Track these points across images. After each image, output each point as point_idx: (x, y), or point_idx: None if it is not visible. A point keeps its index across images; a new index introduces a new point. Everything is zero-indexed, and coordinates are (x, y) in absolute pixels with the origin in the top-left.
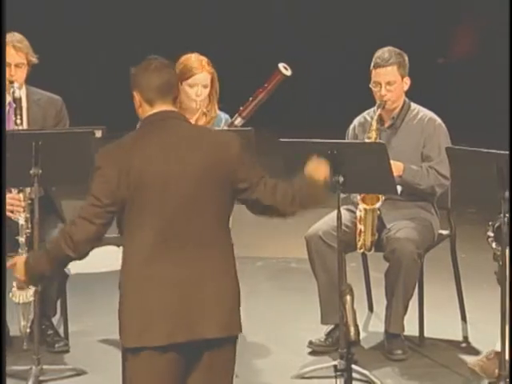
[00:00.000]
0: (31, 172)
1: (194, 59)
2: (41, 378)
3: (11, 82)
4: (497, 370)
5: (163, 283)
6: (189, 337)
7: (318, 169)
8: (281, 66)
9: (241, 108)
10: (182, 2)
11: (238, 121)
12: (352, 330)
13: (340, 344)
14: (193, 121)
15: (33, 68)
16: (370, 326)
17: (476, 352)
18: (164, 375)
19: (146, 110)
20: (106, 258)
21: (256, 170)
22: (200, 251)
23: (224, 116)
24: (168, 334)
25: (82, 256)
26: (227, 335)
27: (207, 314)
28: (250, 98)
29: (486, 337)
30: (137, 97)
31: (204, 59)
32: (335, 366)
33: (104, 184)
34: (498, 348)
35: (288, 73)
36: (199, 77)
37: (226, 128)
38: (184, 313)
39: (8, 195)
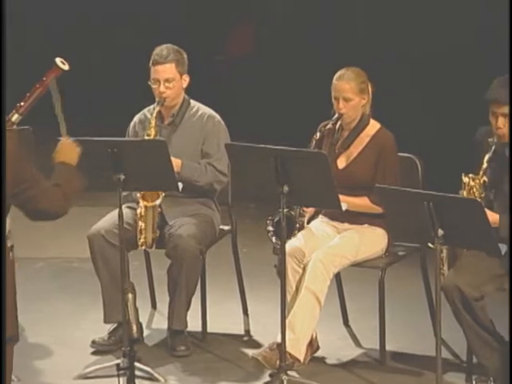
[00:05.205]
0: None
1: None
2: None
3: None
4: (278, 361)
5: None
6: None
7: (65, 152)
8: (58, 60)
9: (18, 104)
10: None
11: (15, 117)
12: (134, 327)
13: (123, 342)
14: None
15: None
16: (154, 323)
17: (258, 345)
18: None
19: None
20: None
21: (32, 174)
22: None
23: None
24: None
25: None
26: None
27: None
28: (28, 94)
29: (267, 329)
30: None
31: None
32: (118, 365)
33: None
34: (279, 340)
35: (65, 67)
36: None
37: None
38: None
39: None
